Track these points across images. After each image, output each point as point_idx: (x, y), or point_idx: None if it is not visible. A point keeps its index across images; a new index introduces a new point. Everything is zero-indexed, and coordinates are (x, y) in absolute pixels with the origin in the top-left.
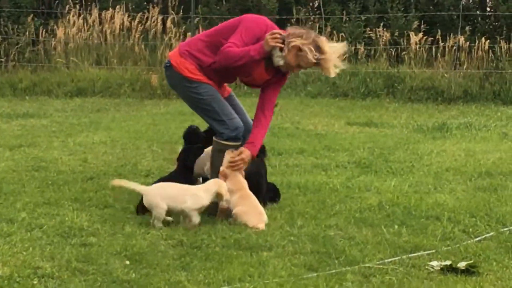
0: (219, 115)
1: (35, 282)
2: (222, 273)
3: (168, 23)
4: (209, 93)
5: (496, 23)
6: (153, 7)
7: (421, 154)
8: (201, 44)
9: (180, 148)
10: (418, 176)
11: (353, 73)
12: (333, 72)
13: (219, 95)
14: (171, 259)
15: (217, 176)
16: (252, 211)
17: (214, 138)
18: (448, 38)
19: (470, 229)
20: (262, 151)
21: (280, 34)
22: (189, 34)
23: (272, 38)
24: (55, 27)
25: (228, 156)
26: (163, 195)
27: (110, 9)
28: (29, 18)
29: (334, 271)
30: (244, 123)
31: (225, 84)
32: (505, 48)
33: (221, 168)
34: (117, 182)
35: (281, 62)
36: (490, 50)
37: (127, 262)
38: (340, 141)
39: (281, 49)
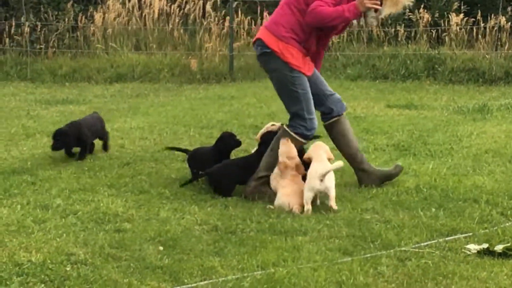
0: (303, 111)
1: (67, 269)
2: (256, 258)
3: (208, 7)
4: (303, 87)
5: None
6: None
7: (461, 136)
8: (292, 19)
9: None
10: (457, 158)
11: (393, 55)
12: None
13: (309, 90)
14: (205, 244)
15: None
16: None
17: (284, 127)
18: (489, 18)
19: (509, 212)
20: None
21: None
22: (228, 18)
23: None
24: (94, 12)
25: (283, 147)
26: None
27: None
28: (69, 4)
29: (369, 255)
30: (330, 94)
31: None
32: None
33: (281, 159)
34: None
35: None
36: None
37: (161, 248)
38: (379, 124)
39: (376, 10)
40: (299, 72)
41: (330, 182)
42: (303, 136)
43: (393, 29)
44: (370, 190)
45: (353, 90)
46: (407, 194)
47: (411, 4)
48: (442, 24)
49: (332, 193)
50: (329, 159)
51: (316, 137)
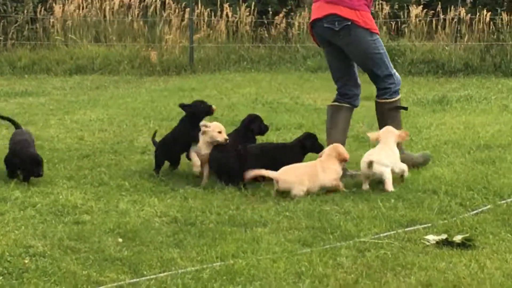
0: (387, 69)
1: (26, 261)
2: (216, 249)
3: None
4: (383, 47)
5: None
6: None
7: (420, 128)
8: None
9: None
10: (416, 149)
11: None
12: None
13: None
14: (164, 236)
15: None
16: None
17: (378, 100)
18: (448, 10)
19: (467, 202)
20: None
21: None
22: (188, 10)
23: None
24: (53, 4)
25: None
26: None
27: None
28: None
29: (328, 246)
30: (359, 84)
31: None
32: (506, 20)
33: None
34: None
35: None
36: (491, 22)
37: (120, 240)
38: None
39: None
40: (377, 35)
41: (381, 168)
42: (396, 93)
43: None
44: None
45: (314, 82)
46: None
47: None
48: (402, 16)
49: (386, 177)
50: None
51: (404, 108)
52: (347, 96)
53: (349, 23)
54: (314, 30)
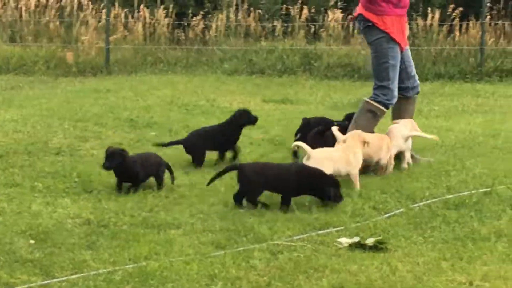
0: (388, 81)
1: None
2: (128, 251)
3: (84, 0)
4: (395, 59)
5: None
6: None
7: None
8: None
9: None
10: None
11: (270, 50)
12: None
13: (399, 63)
14: (77, 238)
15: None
16: None
17: (366, 99)
18: None
19: (380, 206)
20: None
21: None
22: (104, 11)
23: None
24: None
25: None
26: None
27: None
28: None
29: (242, 248)
30: (412, 77)
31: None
32: (421, 24)
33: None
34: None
35: None
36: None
37: (32, 241)
38: None
39: None
40: (394, 43)
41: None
42: (383, 104)
43: (270, 24)
44: None
45: (230, 84)
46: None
47: None
48: (320, 20)
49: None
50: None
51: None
52: (400, 88)
53: (371, 24)
54: None
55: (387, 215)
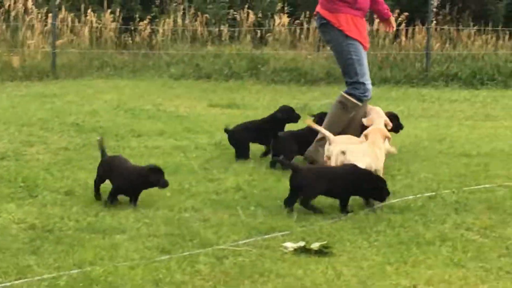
0: (356, 76)
1: None
2: (73, 256)
3: (29, 4)
4: (357, 54)
5: None
6: None
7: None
8: None
9: None
10: None
11: (217, 54)
12: None
13: (364, 57)
14: (21, 243)
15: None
16: None
17: (341, 92)
18: (311, 20)
19: (326, 210)
20: None
21: None
22: (50, 15)
23: None
24: None
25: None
26: None
27: None
28: None
29: (187, 253)
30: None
31: (368, 37)
32: (368, 29)
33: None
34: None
35: None
36: None
37: None
38: (201, 123)
39: None
40: (353, 40)
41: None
42: (356, 97)
43: (217, 29)
44: (191, 189)
45: (176, 89)
46: (227, 193)
47: None
48: (266, 25)
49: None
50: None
51: None
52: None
53: (325, 21)
54: None
55: (332, 220)
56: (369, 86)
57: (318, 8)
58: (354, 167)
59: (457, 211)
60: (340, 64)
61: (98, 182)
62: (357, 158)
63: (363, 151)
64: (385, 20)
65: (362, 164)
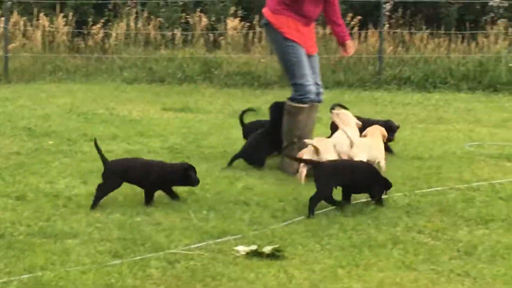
0: (295, 78)
1: None
2: (24, 261)
3: None
4: (297, 56)
5: None
6: None
7: (235, 139)
8: None
9: None
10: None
11: (170, 58)
12: None
13: (305, 59)
14: None
15: (288, 136)
16: None
17: (285, 100)
18: None
19: (278, 214)
20: None
21: None
22: (2, 19)
23: None
24: None
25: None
26: None
27: None
28: None
29: (139, 257)
30: (315, 84)
31: (314, 42)
32: (321, 33)
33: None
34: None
35: None
36: None
37: None
38: (154, 127)
39: None
40: (292, 42)
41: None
42: (297, 101)
43: (170, 33)
44: (143, 193)
45: (130, 93)
46: (179, 197)
47: None
48: (219, 28)
49: None
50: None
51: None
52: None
53: (267, 22)
54: None
55: (285, 223)
56: (311, 87)
57: (264, 9)
58: (370, 164)
59: (409, 214)
60: (281, 65)
61: (111, 189)
62: (363, 149)
63: (369, 144)
64: (342, 43)
65: (367, 156)
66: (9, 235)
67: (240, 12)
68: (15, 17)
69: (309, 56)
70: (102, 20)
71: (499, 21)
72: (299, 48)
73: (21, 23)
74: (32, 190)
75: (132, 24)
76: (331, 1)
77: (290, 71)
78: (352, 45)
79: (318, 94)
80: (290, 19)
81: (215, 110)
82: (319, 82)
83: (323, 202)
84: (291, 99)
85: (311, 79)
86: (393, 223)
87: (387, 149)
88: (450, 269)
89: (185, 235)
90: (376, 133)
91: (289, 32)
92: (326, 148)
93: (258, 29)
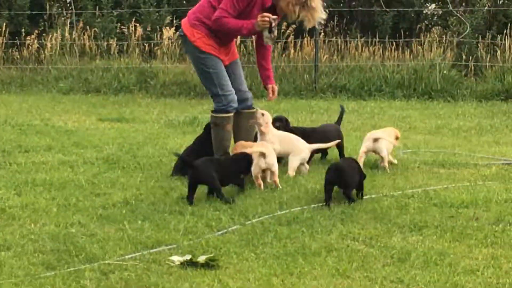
0: (215, 89)
1: None
2: None
3: None
4: (214, 67)
5: None
6: None
7: (170, 149)
8: (209, 10)
9: None
10: (165, 170)
11: (106, 68)
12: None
13: (223, 69)
14: None
15: (219, 150)
16: None
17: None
18: None
19: (213, 223)
20: None
21: (269, 17)
22: None
23: (262, 21)
24: None
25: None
26: None
27: None
28: None
29: (72, 269)
30: (240, 91)
31: (234, 49)
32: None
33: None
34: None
35: (269, 43)
36: (241, 45)
37: None
38: (90, 138)
39: (270, 31)
40: (208, 54)
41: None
42: (221, 111)
43: (105, 42)
44: (77, 204)
45: (65, 103)
46: (114, 207)
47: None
48: (155, 38)
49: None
50: None
51: None
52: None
53: (182, 33)
54: None
55: (220, 233)
56: (232, 96)
57: (183, 20)
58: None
59: (343, 221)
60: (200, 78)
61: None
62: (383, 141)
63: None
64: (266, 86)
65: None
66: None
67: (176, 22)
68: None
69: (230, 63)
70: (37, 31)
71: (433, 29)
72: (216, 59)
73: None
74: None
75: (67, 34)
76: (267, 47)
77: (209, 83)
78: (276, 89)
79: (245, 100)
80: (206, 36)
81: (151, 120)
82: (244, 88)
83: (259, 210)
84: (215, 111)
85: (231, 88)
86: (328, 231)
87: (323, 155)
88: (383, 276)
89: (119, 246)
90: (391, 133)
91: (204, 46)
92: (269, 151)
93: None
